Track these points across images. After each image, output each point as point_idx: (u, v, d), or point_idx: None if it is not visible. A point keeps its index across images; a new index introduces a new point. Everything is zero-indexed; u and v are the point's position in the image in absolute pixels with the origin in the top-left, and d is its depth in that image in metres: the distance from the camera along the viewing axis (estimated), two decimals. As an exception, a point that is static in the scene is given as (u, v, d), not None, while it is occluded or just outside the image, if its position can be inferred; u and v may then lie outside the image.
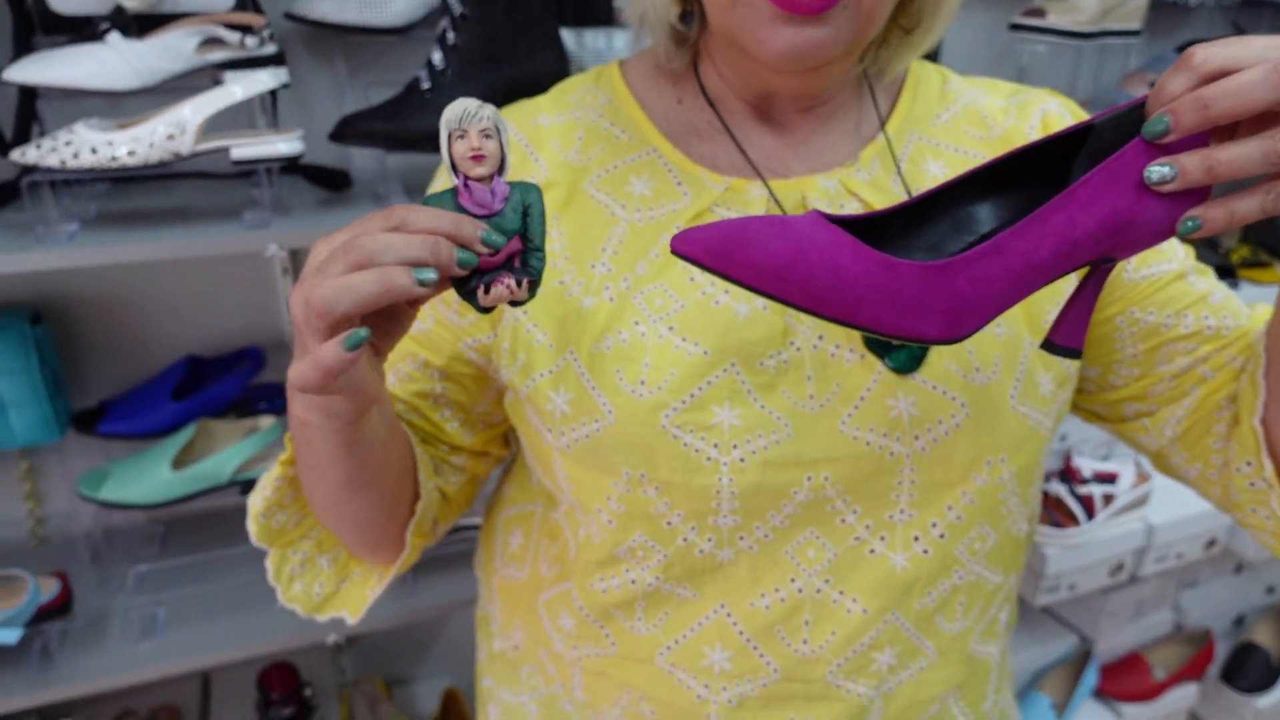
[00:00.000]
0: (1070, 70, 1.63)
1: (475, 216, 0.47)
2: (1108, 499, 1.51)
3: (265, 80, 0.93)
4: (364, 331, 0.45)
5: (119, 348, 1.25)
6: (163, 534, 1.28)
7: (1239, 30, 1.61)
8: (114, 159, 0.89)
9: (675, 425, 0.61)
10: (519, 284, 0.48)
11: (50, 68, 0.90)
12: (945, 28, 0.67)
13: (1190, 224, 0.45)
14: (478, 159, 0.46)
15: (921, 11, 0.66)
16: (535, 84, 1.06)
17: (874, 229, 0.51)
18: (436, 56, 1.02)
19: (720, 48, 0.68)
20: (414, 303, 0.51)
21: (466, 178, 0.47)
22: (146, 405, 1.20)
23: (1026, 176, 0.51)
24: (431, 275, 0.45)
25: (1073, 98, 1.63)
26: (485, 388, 0.72)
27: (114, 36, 0.93)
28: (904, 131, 0.71)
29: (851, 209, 0.66)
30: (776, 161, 0.69)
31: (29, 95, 1.00)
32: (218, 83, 1.01)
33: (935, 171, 0.69)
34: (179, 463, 1.15)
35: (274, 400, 1.26)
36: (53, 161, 0.88)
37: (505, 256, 0.48)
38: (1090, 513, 1.49)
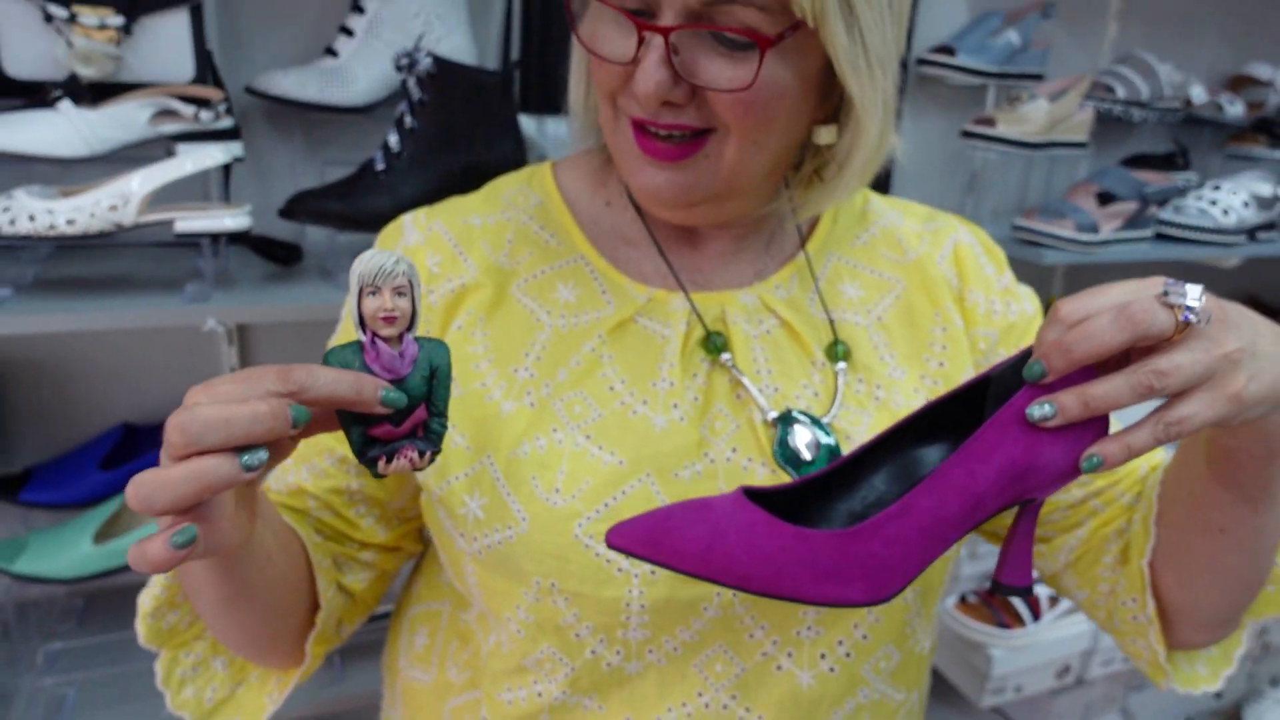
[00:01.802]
0: (1021, 177, 1.69)
1: (383, 379, 0.45)
2: (1054, 600, 1.51)
3: (216, 155, 0.93)
4: (192, 530, 0.42)
5: (52, 412, 1.21)
6: (81, 608, 1.22)
7: (1180, 146, 1.68)
8: (53, 227, 0.87)
9: (588, 535, 0.60)
10: (421, 455, 0.46)
11: (-3, 133, 0.90)
12: (865, 176, 0.67)
13: (1093, 460, 0.47)
14: (389, 320, 0.44)
15: (836, 160, 0.66)
16: (492, 170, 1.07)
17: (814, 490, 0.53)
18: (393, 139, 1.02)
19: None
20: (294, 435, 0.47)
21: (374, 335, 0.44)
22: (74, 473, 1.16)
23: (956, 419, 0.54)
24: (261, 457, 0.42)
25: (1024, 203, 1.68)
26: (403, 484, 0.71)
27: (66, 105, 0.93)
28: (824, 251, 0.72)
29: (770, 324, 0.68)
30: (698, 274, 0.70)
31: (-26, 157, 0.99)
32: (170, 153, 1.01)
33: (851, 293, 0.71)
34: (102, 535, 1.11)
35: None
36: (-12, 227, 0.86)
37: (411, 426, 0.46)
38: (1036, 614, 1.49)
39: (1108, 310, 0.46)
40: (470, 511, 0.63)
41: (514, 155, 1.08)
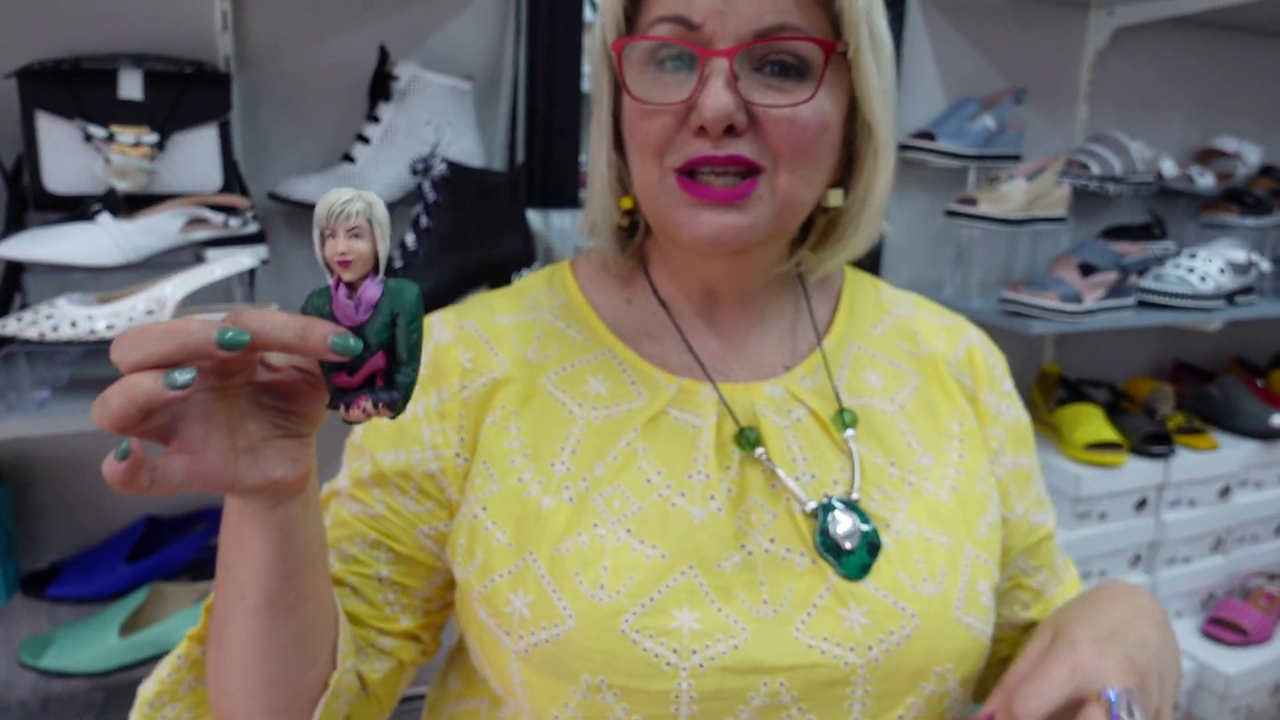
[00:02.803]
0: (1006, 251, 1.76)
1: (343, 325, 0.42)
2: None
3: (244, 260, 0.99)
4: (125, 444, 0.41)
5: (77, 507, 1.25)
6: (102, 702, 1.23)
7: (1156, 216, 1.75)
8: (93, 332, 0.93)
9: (635, 630, 0.60)
10: (375, 405, 0.43)
11: (41, 244, 0.96)
12: (870, 234, 0.71)
13: None
14: (344, 264, 0.41)
15: (847, 214, 0.70)
16: (503, 265, 1.14)
17: None
18: (409, 238, 1.08)
19: (663, 243, 0.72)
20: (313, 383, 0.46)
21: (339, 279, 0.42)
22: (100, 567, 1.19)
23: None
24: (187, 378, 0.40)
25: (1010, 276, 1.75)
26: (434, 573, 0.71)
27: (104, 217, 0.99)
28: (844, 341, 0.75)
29: (799, 413, 0.70)
30: (722, 364, 0.72)
31: (15, 268, 1.05)
32: (199, 258, 1.07)
33: (874, 382, 0.73)
34: (128, 628, 1.13)
35: (230, 562, 1.25)
36: (32, 334, 0.91)
37: (365, 375, 0.43)
38: None
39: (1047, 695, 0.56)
40: (516, 610, 0.63)
41: (523, 250, 1.15)
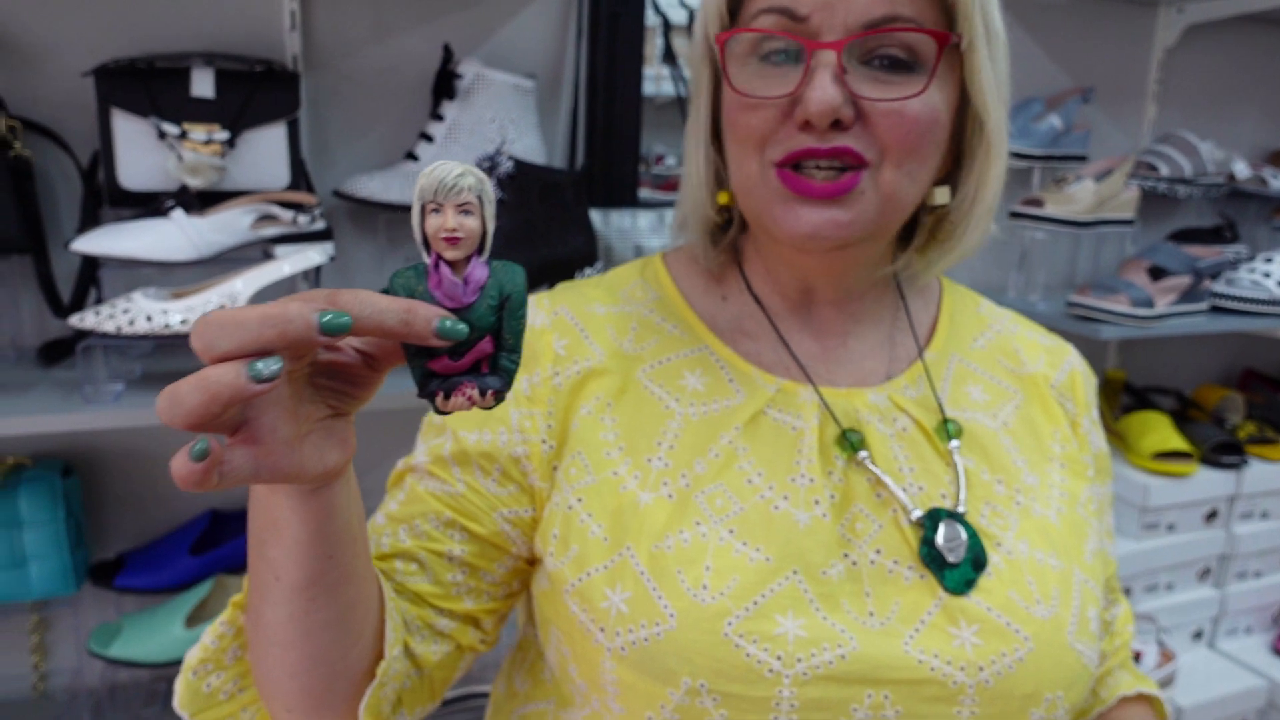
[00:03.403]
0: (1069, 254, 1.72)
1: (444, 307, 0.40)
2: (1129, 680, 1.48)
3: (313, 257, 1.00)
4: (204, 442, 0.37)
5: (143, 499, 1.27)
6: (166, 691, 1.25)
7: (1227, 219, 1.70)
8: (167, 326, 0.94)
9: (738, 634, 0.59)
10: (483, 394, 0.40)
11: (116, 240, 0.97)
12: (978, 236, 0.69)
13: None
14: (451, 241, 0.39)
15: (952, 217, 0.68)
16: (566, 263, 1.13)
17: None
18: (474, 236, 1.08)
19: (760, 239, 0.70)
20: (374, 364, 0.43)
21: (439, 257, 0.40)
22: (165, 559, 1.20)
23: None
24: (274, 368, 0.36)
25: (1073, 279, 1.71)
26: (506, 557, 0.69)
27: (178, 213, 1.01)
28: (946, 352, 0.73)
29: (904, 423, 0.69)
30: (820, 365, 0.70)
31: (91, 263, 1.07)
32: (267, 254, 1.08)
33: (976, 396, 0.72)
34: (193, 619, 1.15)
35: (290, 557, 1.26)
36: (109, 327, 0.93)
37: (472, 360, 0.41)
38: None
39: None
40: (613, 605, 0.61)
41: (587, 248, 1.14)
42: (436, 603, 0.67)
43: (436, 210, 0.38)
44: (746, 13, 0.62)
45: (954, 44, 0.60)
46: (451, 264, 0.40)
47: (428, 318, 0.39)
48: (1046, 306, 1.52)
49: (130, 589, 1.17)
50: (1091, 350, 1.82)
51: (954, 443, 0.68)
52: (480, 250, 0.40)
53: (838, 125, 0.59)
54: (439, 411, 0.41)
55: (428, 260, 0.40)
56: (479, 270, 0.40)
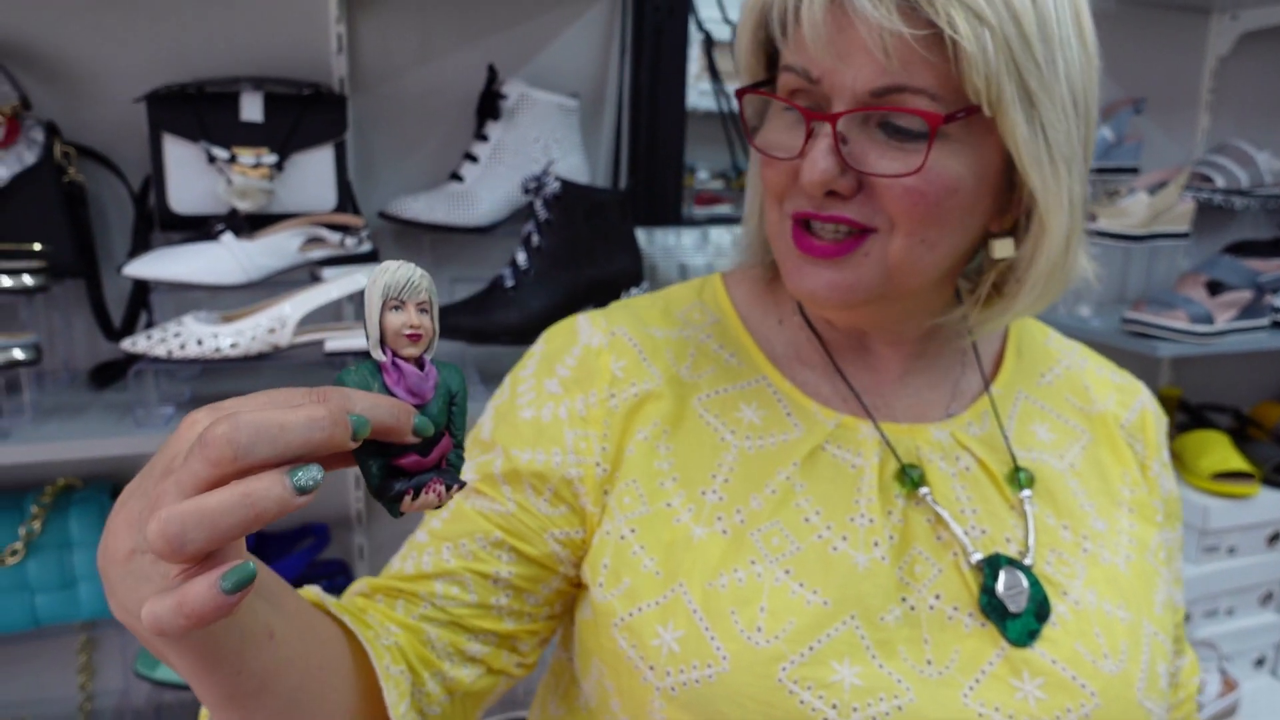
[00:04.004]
0: (1120, 268, 1.68)
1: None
2: (1191, 709, 1.43)
3: (360, 280, 0.99)
4: (250, 567, 0.34)
5: (189, 521, 1.27)
6: (211, 714, 1.25)
7: (1286, 232, 1.66)
8: (217, 350, 0.94)
9: (793, 680, 0.57)
10: (448, 489, 0.41)
11: (168, 264, 0.98)
12: (1045, 294, 0.64)
13: None
14: (414, 338, 0.39)
15: (1016, 273, 0.63)
16: (613, 283, 1.12)
17: None
18: (521, 257, 1.08)
19: None
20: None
21: (395, 355, 0.40)
22: (211, 580, 1.20)
23: None
24: (316, 477, 0.34)
25: (1124, 295, 1.67)
26: (553, 578, 0.66)
27: (228, 237, 1.01)
28: (1012, 387, 0.71)
29: (967, 462, 0.66)
30: (878, 399, 0.68)
31: (142, 286, 1.08)
32: (314, 276, 1.08)
33: (1042, 435, 0.69)
34: (238, 642, 1.15)
35: (335, 579, 1.26)
36: (160, 351, 0.93)
37: (439, 456, 0.41)
38: (1173, 724, 1.41)
39: None
40: (665, 644, 0.60)
41: (633, 268, 1.13)
42: (472, 624, 0.65)
43: (398, 307, 0.39)
44: (781, 62, 0.62)
45: (970, 114, 0.56)
46: (408, 360, 0.40)
47: (408, 413, 0.38)
48: (1100, 323, 1.48)
49: (177, 610, 1.17)
50: (1144, 367, 1.77)
51: (1025, 492, 0.66)
52: (429, 349, 0.41)
53: (837, 194, 0.58)
54: (397, 514, 0.40)
55: (383, 358, 0.40)
56: (431, 369, 0.41)
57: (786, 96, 0.59)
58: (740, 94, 0.64)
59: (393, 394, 0.40)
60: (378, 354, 0.40)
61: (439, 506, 0.41)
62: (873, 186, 0.57)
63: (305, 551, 1.24)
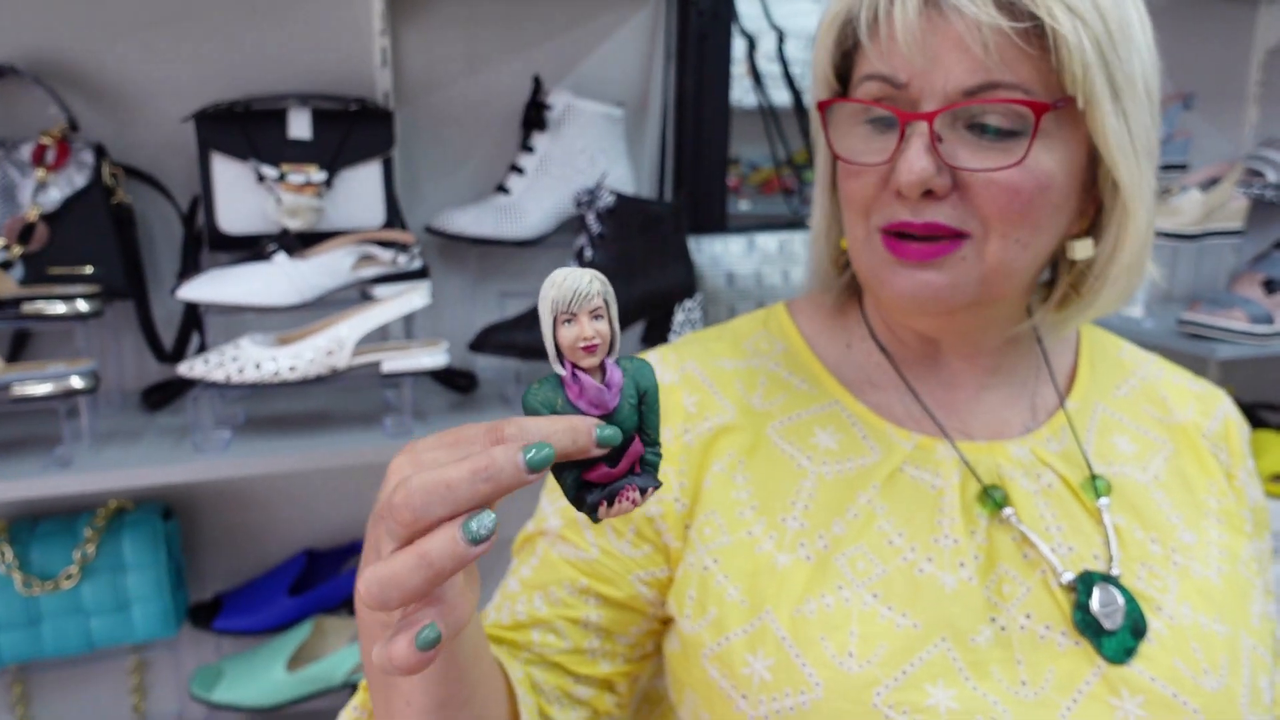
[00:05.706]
0: (1168, 266, 1.65)
1: (591, 415, 0.39)
2: None
3: (415, 301, 0.98)
4: (435, 629, 0.36)
5: (239, 540, 1.26)
6: (264, 734, 1.25)
7: (1339, 227, 1.62)
8: (276, 374, 0.93)
9: (888, 705, 0.57)
10: (642, 493, 0.40)
11: (222, 286, 0.97)
12: (1122, 292, 0.65)
13: None
14: (589, 349, 0.38)
15: (1094, 270, 0.64)
16: (666, 296, 1.10)
17: None
18: (574, 272, 1.06)
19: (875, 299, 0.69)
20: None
21: (575, 367, 0.39)
22: (263, 600, 1.20)
23: None
24: (488, 525, 0.35)
25: (1173, 295, 1.64)
26: (642, 619, 0.68)
27: (280, 257, 1.00)
28: (1089, 401, 0.70)
29: (1049, 479, 0.65)
30: (953, 417, 0.68)
31: (193, 308, 1.07)
32: (364, 295, 1.07)
33: (1124, 447, 0.68)
34: (294, 662, 1.14)
35: (386, 596, 1.25)
36: (219, 376, 0.92)
37: (629, 463, 0.40)
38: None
39: None
40: (755, 672, 0.60)
41: (686, 281, 1.11)
42: (574, 669, 0.67)
43: (570, 320, 0.38)
44: (855, 76, 0.62)
45: (1065, 105, 0.56)
46: (588, 371, 0.39)
47: (588, 429, 0.38)
48: (1154, 325, 1.45)
49: (230, 631, 1.16)
50: (1193, 366, 1.74)
51: (1103, 500, 0.65)
52: (610, 352, 0.39)
53: (932, 194, 0.57)
54: (596, 520, 0.40)
55: (562, 371, 0.39)
56: (615, 373, 0.40)
57: (873, 101, 0.59)
58: (822, 106, 0.63)
59: (575, 407, 0.39)
60: (557, 368, 0.39)
61: (629, 512, 0.40)
62: (967, 187, 0.57)
63: (355, 570, 1.24)
